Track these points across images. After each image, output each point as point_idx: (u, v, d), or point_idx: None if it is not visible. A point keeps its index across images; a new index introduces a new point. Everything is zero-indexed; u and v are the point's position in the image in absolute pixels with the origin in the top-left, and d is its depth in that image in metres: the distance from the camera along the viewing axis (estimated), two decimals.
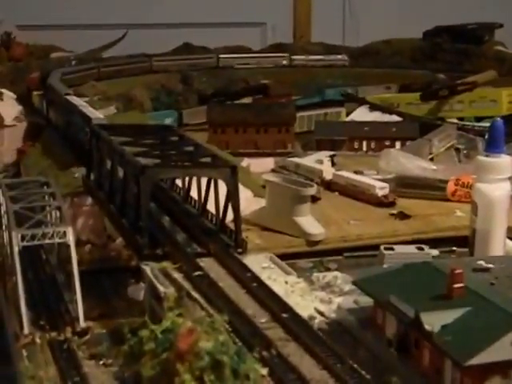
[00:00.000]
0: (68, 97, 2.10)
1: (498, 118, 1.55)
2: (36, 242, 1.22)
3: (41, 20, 3.19)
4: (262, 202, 1.67)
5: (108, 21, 3.19)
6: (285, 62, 3.15)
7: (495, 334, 0.89)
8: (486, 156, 1.47)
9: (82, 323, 1.17)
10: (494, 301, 0.98)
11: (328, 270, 1.45)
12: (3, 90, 2.54)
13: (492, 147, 1.46)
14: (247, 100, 2.79)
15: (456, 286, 1.01)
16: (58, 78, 2.39)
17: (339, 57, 3.14)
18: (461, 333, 0.93)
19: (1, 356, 0.92)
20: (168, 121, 2.57)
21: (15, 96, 2.53)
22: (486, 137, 1.59)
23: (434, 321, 0.95)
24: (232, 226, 1.36)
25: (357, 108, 2.73)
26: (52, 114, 2.21)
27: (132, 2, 3.28)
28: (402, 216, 1.74)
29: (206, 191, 1.44)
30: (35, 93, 2.44)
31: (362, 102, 2.78)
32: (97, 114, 1.85)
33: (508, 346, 0.88)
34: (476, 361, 0.87)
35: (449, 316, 0.95)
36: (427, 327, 0.94)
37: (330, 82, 2.99)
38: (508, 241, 1.52)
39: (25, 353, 1.10)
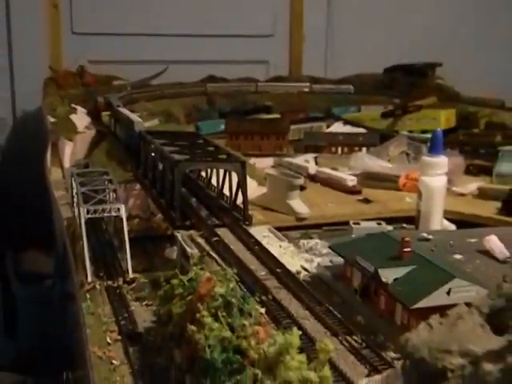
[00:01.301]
0: (119, 108, 2.11)
1: (439, 129, 1.54)
2: (97, 215, 1.21)
3: (105, 57, 3.18)
4: (264, 189, 1.67)
5: (153, 58, 3.19)
6: (306, 90, 3.11)
7: (434, 286, 0.89)
8: (429, 157, 1.46)
9: (131, 274, 1.17)
10: (434, 262, 0.97)
11: (311, 238, 1.44)
12: (77, 107, 2.54)
13: (433, 150, 1.46)
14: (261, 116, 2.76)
15: (405, 250, 1.00)
16: (116, 97, 2.39)
17: (345, 86, 3.10)
18: (408, 284, 0.92)
19: (68, 297, 0.91)
20: (223, 126, 2.50)
21: (86, 111, 2.53)
22: (429, 143, 1.57)
23: (388, 275, 0.94)
24: (241, 205, 1.36)
25: (334, 123, 2.71)
26: (117, 128, 2.17)
27: (170, 44, 3.27)
28: (366, 201, 1.74)
29: (222, 180, 1.43)
30: (103, 113, 2.41)
31: (338, 118, 2.76)
32: (138, 119, 1.84)
33: (443, 295, 0.87)
34: (420, 305, 0.86)
35: (400, 272, 0.95)
36: (383, 279, 0.93)
37: (320, 104, 2.95)
38: (444, 220, 1.51)
39: (88, 295, 1.09)
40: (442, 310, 0.55)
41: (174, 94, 2.94)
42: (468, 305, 0.46)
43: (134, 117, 1.88)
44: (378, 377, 0.45)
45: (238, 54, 3.32)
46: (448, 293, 0.87)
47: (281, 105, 2.91)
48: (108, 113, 2.31)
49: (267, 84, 3.13)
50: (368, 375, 0.73)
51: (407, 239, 1.01)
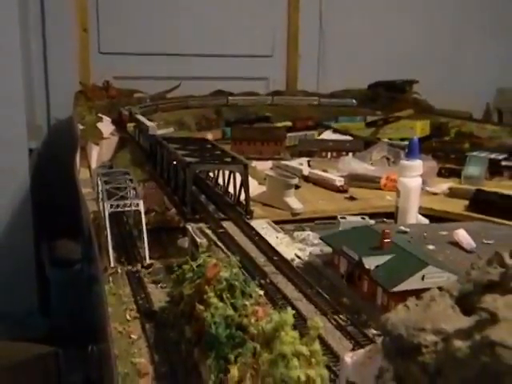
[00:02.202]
0: (137, 116, 2.10)
1: (415, 137, 1.54)
2: (119, 210, 1.20)
3: (128, 73, 3.18)
4: (263, 188, 1.66)
5: (168, 74, 3.19)
6: (315, 103, 3.06)
7: (410, 272, 0.88)
8: (406, 161, 1.45)
9: (148, 261, 1.16)
10: (410, 251, 0.96)
11: (304, 230, 1.43)
12: (103, 116, 2.53)
13: (410, 155, 1.45)
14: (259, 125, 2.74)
15: (385, 241, 0.99)
16: (137, 108, 2.38)
17: (349, 100, 3.06)
18: (388, 270, 0.91)
19: (94, 280, 0.91)
20: None
21: (110, 120, 2.51)
22: (406, 149, 1.56)
23: (371, 262, 0.93)
24: (244, 202, 1.35)
25: (325, 131, 2.70)
26: (140, 137, 2.13)
27: (183, 63, 3.27)
28: (352, 198, 1.73)
29: (227, 179, 1.42)
30: (129, 124, 2.38)
31: (328, 127, 2.75)
32: (152, 124, 1.84)
33: (419, 280, 0.86)
34: (398, 288, 0.85)
35: (380, 260, 0.94)
36: (366, 266, 0.92)
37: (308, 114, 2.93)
38: (419, 215, 1.50)
39: (110, 278, 1.08)
40: (417, 293, 0.54)
41: (198, 104, 2.93)
42: (440, 289, 0.45)
43: (149, 123, 1.88)
44: (361, 351, 0.45)
45: (242, 71, 3.31)
46: (422, 278, 0.86)
47: (279, 115, 2.90)
48: (133, 124, 2.30)
49: (282, 97, 3.11)
50: (352, 349, 0.72)
51: (387, 231, 1.00)
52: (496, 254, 0.45)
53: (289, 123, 2.74)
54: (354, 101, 3.06)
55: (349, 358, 0.44)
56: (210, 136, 2.34)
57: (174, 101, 2.97)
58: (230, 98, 2.99)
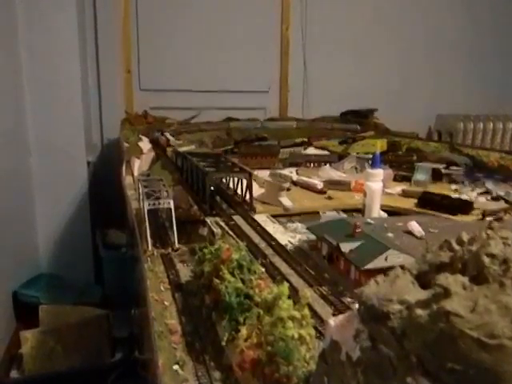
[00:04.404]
0: (167, 135, 2.08)
1: (376, 152, 1.52)
2: (155, 207, 1.18)
3: (161, 105, 3.19)
4: (263, 190, 1.63)
5: (191, 105, 3.18)
6: (329, 127, 2.96)
7: (376, 254, 0.86)
8: (370, 169, 1.44)
9: (177, 245, 1.14)
10: (375, 238, 0.95)
11: (294, 222, 1.41)
12: (143, 137, 2.51)
13: (373, 165, 1.43)
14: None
15: (357, 230, 0.97)
16: (169, 132, 2.36)
17: (354, 126, 2.96)
18: (359, 253, 0.89)
19: (136, 259, 0.89)
20: None
21: (148, 139, 2.50)
22: (370, 161, 1.54)
23: (345, 246, 0.91)
24: (249, 201, 1.33)
25: (308, 147, 2.68)
26: (177, 159, 2.07)
27: (202, 97, 3.26)
28: (329, 198, 1.70)
29: (236, 184, 1.41)
30: (168, 148, 2.33)
31: (310, 144, 2.74)
32: (174, 141, 1.82)
33: (382, 260, 0.84)
34: (367, 267, 0.83)
35: (353, 244, 0.92)
36: (342, 249, 0.91)
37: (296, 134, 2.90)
38: (380, 211, 1.48)
39: (148, 259, 1.07)
40: (381, 271, 0.52)
41: (240, 126, 2.87)
42: (402, 268, 0.43)
43: (172, 139, 1.87)
44: (341, 315, 0.43)
45: (246, 103, 3.32)
46: (385, 259, 0.84)
47: (274, 136, 2.87)
48: (171, 148, 2.27)
49: (304, 123, 3.05)
50: (333, 314, 0.71)
51: (358, 223, 0.99)
52: (445, 241, 0.43)
53: (305, 139, 2.73)
54: (358, 126, 3.00)
55: (332, 321, 0.42)
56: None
57: (195, 125, 2.95)
58: (263, 122, 2.96)
